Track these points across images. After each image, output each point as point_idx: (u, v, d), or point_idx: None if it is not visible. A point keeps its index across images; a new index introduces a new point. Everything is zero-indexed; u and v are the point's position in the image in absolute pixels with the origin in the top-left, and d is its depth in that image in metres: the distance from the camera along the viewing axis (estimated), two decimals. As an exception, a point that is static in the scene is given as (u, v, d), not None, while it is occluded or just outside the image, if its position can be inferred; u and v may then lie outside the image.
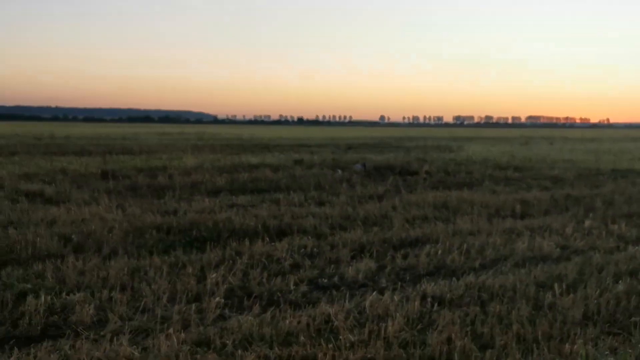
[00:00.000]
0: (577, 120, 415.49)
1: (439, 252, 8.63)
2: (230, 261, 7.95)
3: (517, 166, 24.93)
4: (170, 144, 41.76)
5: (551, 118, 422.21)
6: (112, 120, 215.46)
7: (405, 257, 8.52)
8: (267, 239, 9.35)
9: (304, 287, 7.01)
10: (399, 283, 7.35)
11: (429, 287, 6.94)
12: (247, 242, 9.00)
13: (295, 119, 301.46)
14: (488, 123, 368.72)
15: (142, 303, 6.35)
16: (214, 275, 7.19)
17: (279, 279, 7.21)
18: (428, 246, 9.09)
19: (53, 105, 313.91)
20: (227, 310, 6.28)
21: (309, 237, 9.56)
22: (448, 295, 6.70)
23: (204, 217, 11.21)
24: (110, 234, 9.41)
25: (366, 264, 7.85)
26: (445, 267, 8.04)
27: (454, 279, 7.39)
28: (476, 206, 13.30)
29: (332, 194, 15.41)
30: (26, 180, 17.00)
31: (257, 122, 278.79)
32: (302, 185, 16.89)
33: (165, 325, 5.73)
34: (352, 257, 8.51)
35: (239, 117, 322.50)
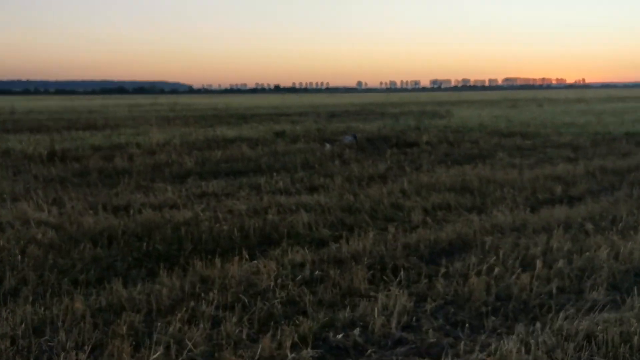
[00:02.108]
0: (554, 81, 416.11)
1: (495, 269, 6.01)
2: (192, 301, 5.27)
3: (522, 132, 22.38)
4: (140, 116, 38.64)
5: (528, 80, 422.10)
6: (85, 93, 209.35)
7: (447, 278, 5.91)
8: (247, 253, 6.68)
9: (308, 353, 4.37)
10: (453, 334, 4.74)
11: (505, 344, 4.35)
12: (218, 262, 6.31)
13: (272, 87, 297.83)
14: (465, 86, 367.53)
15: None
16: (162, 336, 4.53)
17: (267, 337, 4.55)
18: (473, 257, 6.48)
19: (24, 78, 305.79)
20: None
21: (305, 248, 6.89)
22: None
23: (162, 216, 8.49)
24: (24, 253, 6.67)
25: (397, 299, 5.20)
26: (515, 299, 5.43)
27: (537, 324, 4.79)
28: (506, 187, 10.72)
29: (323, 174, 12.74)
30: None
31: (233, 91, 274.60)
32: (286, 164, 14.19)
33: None
34: (371, 282, 5.88)
35: (215, 86, 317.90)
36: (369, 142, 18.38)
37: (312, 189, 11.28)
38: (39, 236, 7.36)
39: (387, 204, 9.42)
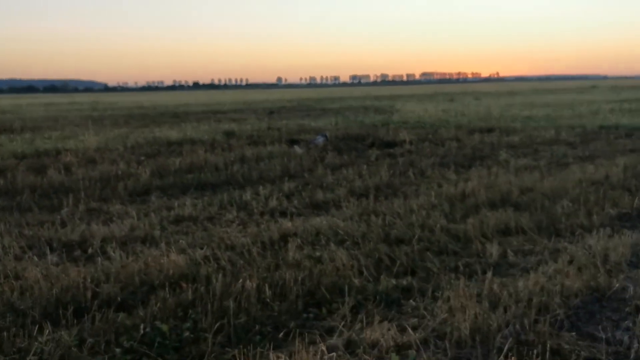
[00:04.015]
0: (469, 75, 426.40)
1: None
2: None
3: (496, 128, 20.57)
4: (61, 116, 35.01)
5: (444, 74, 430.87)
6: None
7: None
8: (306, 338, 4.27)
9: None
10: None
11: None
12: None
13: (191, 84, 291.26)
14: (385, 81, 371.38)
15: None
16: None
17: None
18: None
19: None
20: None
21: (378, 315, 4.54)
22: None
23: (145, 264, 5.92)
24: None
25: None
26: None
27: None
28: (555, 198, 8.64)
29: (318, 186, 10.37)
30: None
31: (151, 88, 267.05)
32: (263, 172, 11.70)
33: None
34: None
35: (131, 83, 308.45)
36: (343, 143, 16.07)
37: (315, 207, 8.91)
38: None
39: (438, 230, 7.13)
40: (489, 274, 5.41)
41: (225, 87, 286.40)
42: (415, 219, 7.64)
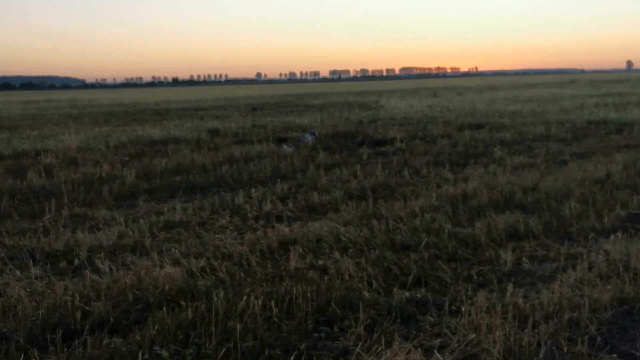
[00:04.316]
0: (448, 70, 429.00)
1: None
2: None
3: (485, 124, 20.24)
4: (39, 114, 34.26)
5: (423, 69, 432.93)
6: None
7: None
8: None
9: None
10: None
11: None
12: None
13: (170, 80, 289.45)
14: (365, 76, 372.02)
15: None
16: None
17: None
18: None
19: None
20: None
21: (398, 335, 4.18)
22: None
23: (138, 277, 5.48)
24: None
25: None
26: None
27: None
28: (559, 198, 8.32)
29: (312, 187, 9.98)
30: None
31: (129, 84, 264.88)
32: (253, 173, 11.28)
33: None
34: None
35: (110, 80, 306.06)
36: (332, 141, 15.67)
37: (312, 210, 8.52)
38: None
39: (445, 235, 6.77)
40: (510, 286, 5.05)
41: (205, 82, 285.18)
42: (420, 223, 7.28)
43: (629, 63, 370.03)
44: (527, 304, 4.74)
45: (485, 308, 4.57)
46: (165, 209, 8.59)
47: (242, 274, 5.69)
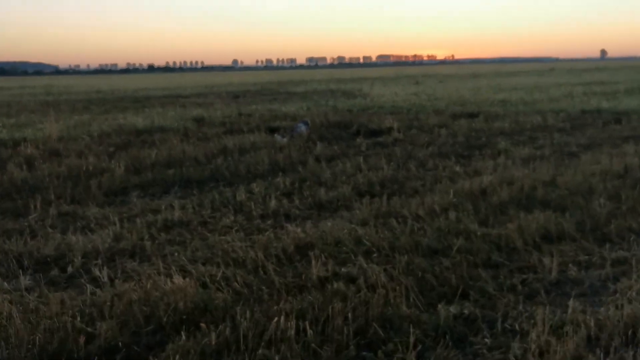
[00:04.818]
0: (425, 58, 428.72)
1: None
2: None
3: (479, 113, 19.72)
4: (13, 101, 33.16)
5: (400, 56, 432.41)
6: None
7: None
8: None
9: None
10: None
11: None
12: None
13: (145, 67, 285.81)
14: (342, 63, 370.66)
15: None
16: None
17: None
18: None
19: None
20: None
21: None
22: None
23: (146, 293, 4.84)
24: None
25: None
26: None
27: None
28: (583, 194, 7.80)
29: (316, 182, 9.37)
30: None
31: (104, 71, 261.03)
32: (251, 166, 10.62)
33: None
34: None
35: (83, 66, 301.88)
36: (327, 131, 15.05)
37: (320, 208, 7.92)
38: None
39: (477, 238, 6.20)
40: (571, 302, 4.50)
41: (181, 69, 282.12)
42: (443, 223, 6.71)
43: (603, 52, 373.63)
44: (591, 320, 4.20)
45: (549, 328, 4.02)
46: (162, 207, 7.93)
47: (260, 284, 5.08)
